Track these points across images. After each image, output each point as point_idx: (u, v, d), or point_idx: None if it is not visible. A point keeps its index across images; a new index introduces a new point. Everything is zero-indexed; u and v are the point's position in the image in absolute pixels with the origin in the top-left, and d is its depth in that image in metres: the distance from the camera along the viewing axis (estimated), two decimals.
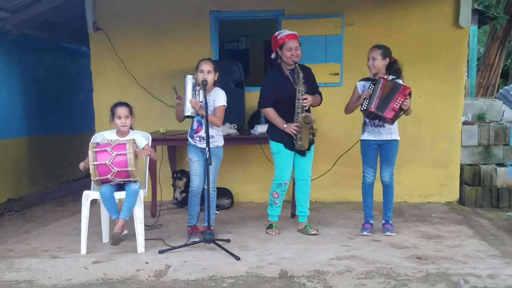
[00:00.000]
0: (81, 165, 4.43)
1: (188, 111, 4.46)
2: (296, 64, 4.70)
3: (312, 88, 4.88)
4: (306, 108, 4.71)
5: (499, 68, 11.81)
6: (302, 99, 4.67)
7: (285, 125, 4.74)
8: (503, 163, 6.49)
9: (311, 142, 4.86)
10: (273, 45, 4.87)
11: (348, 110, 4.98)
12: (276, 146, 4.86)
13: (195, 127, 4.71)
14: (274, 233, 4.91)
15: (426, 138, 6.27)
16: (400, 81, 4.73)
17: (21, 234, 5.25)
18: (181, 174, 6.09)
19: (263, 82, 4.94)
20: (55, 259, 4.25)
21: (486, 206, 6.31)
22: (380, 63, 4.71)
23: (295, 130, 4.71)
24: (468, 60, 8.68)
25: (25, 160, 7.44)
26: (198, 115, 4.52)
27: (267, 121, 5.10)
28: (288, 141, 4.78)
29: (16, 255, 4.39)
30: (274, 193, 4.94)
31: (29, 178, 7.54)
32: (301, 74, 4.69)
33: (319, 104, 4.98)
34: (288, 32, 4.80)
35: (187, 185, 5.88)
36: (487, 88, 11.71)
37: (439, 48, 6.16)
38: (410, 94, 4.63)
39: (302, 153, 4.84)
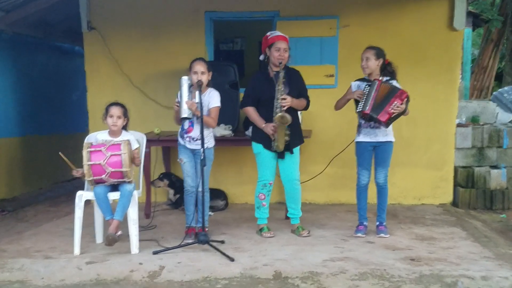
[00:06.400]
0: (75, 172, 4.40)
1: (185, 113, 4.43)
2: (281, 65, 4.64)
3: (298, 90, 4.77)
4: (285, 108, 4.59)
5: (493, 70, 11.85)
6: (281, 99, 4.60)
7: (263, 125, 4.70)
8: (496, 165, 6.51)
9: (290, 144, 4.71)
10: (263, 45, 4.81)
11: (338, 106, 4.92)
12: (256, 147, 4.83)
13: (186, 127, 4.67)
14: (269, 235, 4.86)
15: (421, 140, 6.29)
16: (395, 83, 4.70)
17: (14, 234, 5.22)
18: (163, 176, 6.04)
19: (248, 82, 4.90)
20: (48, 260, 4.24)
21: (480, 208, 6.33)
22: (374, 63, 4.68)
23: (272, 130, 4.65)
24: (462, 63, 8.71)
25: (18, 160, 7.40)
26: (194, 115, 4.50)
27: None
28: (267, 142, 4.74)
29: (9, 256, 4.37)
30: (260, 194, 4.87)
31: (22, 178, 7.50)
32: (281, 74, 4.61)
33: (304, 109, 4.90)
34: (279, 33, 4.77)
35: (175, 187, 5.88)
36: (481, 90, 11.75)
37: (434, 50, 6.17)
38: (407, 98, 4.58)
39: (281, 154, 4.77)
